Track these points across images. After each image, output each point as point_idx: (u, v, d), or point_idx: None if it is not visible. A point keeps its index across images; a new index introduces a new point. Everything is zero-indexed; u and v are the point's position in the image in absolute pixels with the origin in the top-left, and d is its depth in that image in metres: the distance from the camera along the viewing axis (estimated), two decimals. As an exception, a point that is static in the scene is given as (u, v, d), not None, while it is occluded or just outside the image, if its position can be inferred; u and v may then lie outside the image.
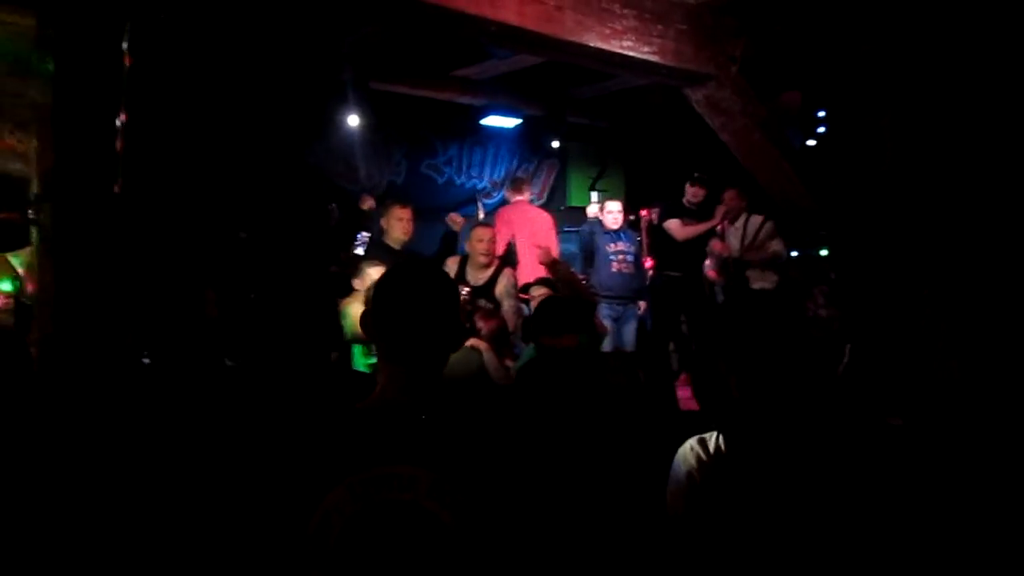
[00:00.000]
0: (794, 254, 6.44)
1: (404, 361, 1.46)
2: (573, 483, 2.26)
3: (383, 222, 4.93)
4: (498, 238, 5.22)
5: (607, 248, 5.99)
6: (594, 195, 6.27)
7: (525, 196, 6.10)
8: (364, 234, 4.86)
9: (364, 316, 1.56)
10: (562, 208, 7.98)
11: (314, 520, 1.26)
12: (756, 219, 6.15)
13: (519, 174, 7.62)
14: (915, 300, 4.69)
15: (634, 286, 6.05)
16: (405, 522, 1.25)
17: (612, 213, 6.20)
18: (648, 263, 6.45)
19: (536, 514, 1.39)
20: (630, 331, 5.90)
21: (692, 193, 5.95)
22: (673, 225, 5.81)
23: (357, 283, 4.34)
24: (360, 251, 4.89)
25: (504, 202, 7.85)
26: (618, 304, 5.86)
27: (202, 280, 3.58)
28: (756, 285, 6.12)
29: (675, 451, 2.05)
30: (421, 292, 1.52)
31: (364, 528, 1.25)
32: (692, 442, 2.02)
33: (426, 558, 1.25)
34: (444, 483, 1.28)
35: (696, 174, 5.99)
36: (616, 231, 6.11)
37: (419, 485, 1.27)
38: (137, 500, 2.55)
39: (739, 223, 6.18)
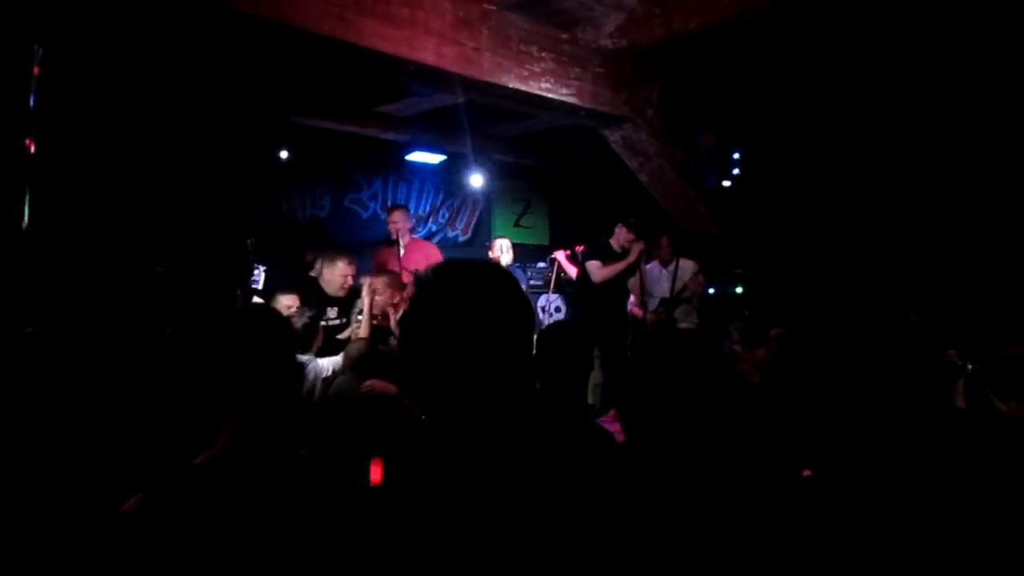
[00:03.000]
0: (710, 291, 6.62)
1: (238, 414, 1.43)
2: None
3: (325, 270, 4.87)
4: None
5: None
6: (499, 242, 6.38)
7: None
8: (261, 267, 4.78)
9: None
10: (487, 244, 7.99)
11: None
12: (686, 263, 6.30)
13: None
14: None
15: None
16: None
17: (498, 247, 6.35)
18: None
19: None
20: None
21: (624, 237, 6.03)
22: (593, 266, 5.92)
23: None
24: (258, 285, 4.80)
25: (428, 237, 7.92)
26: None
27: (77, 317, 3.48)
28: (682, 325, 6.29)
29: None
30: (253, 344, 1.48)
31: None
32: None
33: None
34: (272, 541, 1.27)
35: (631, 219, 6.08)
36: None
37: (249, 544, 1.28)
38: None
39: (671, 267, 6.33)
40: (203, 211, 5.97)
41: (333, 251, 4.96)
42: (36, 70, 3.95)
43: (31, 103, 3.91)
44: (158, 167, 5.73)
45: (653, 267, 6.39)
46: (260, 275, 4.77)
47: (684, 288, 6.27)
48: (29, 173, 3.91)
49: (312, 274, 5.14)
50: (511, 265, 6.36)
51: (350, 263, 4.88)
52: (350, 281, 4.83)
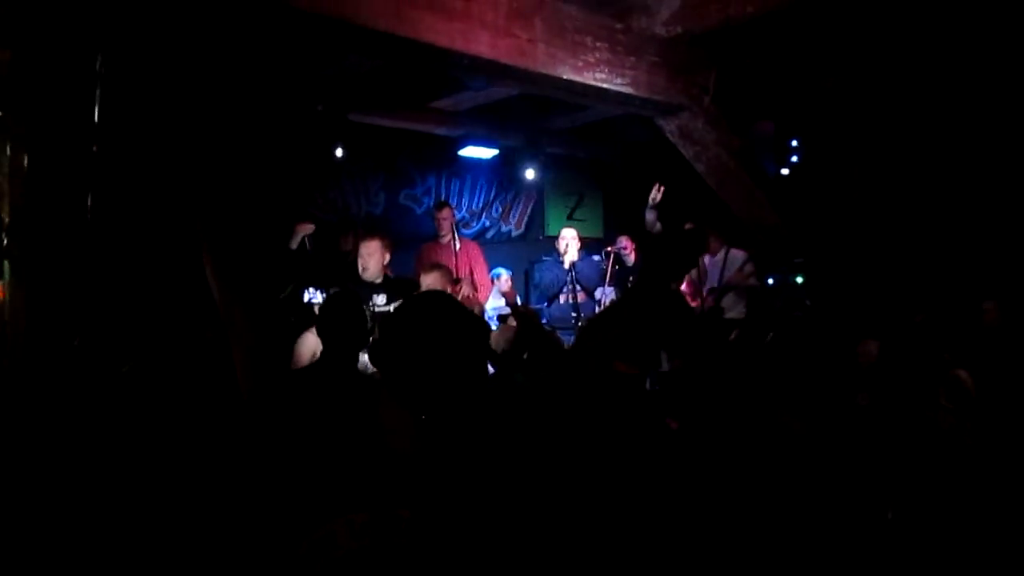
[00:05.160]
0: (769, 282, 6.43)
1: (410, 405, 1.41)
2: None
3: (360, 257, 5.03)
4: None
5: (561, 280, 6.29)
6: (567, 231, 6.44)
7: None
8: (312, 290, 4.85)
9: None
10: (540, 238, 8.15)
11: (305, 545, 1.27)
12: (736, 253, 6.27)
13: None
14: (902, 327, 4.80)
15: (577, 313, 6.22)
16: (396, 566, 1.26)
17: (564, 240, 6.37)
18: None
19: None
20: None
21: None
22: None
23: (317, 309, 4.45)
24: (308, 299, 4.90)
25: (482, 231, 8.03)
26: (565, 334, 5.95)
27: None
28: (729, 315, 6.26)
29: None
30: (433, 330, 1.42)
31: (357, 566, 1.26)
32: None
33: None
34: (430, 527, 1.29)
35: (687, 226, 6.02)
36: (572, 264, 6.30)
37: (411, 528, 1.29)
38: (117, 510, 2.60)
39: (719, 256, 6.33)
40: (261, 209, 6.02)
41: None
42: (98, 78, 4.10)
43: (96, 103, 4.05)
44: (216, 166, 5.86)
45: (704, 260, 6.37)
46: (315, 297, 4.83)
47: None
48: (91, 179, 4.05)
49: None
50: (579, 257, 6.38)
51: (371, 239, 4.98)
52: (377, 259, 4.90)
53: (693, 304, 6.28)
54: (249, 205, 5.85)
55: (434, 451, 1.44)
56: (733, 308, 6.28)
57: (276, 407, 3.14)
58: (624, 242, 6.89)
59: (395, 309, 1.67)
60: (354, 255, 5.25)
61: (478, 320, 1.58)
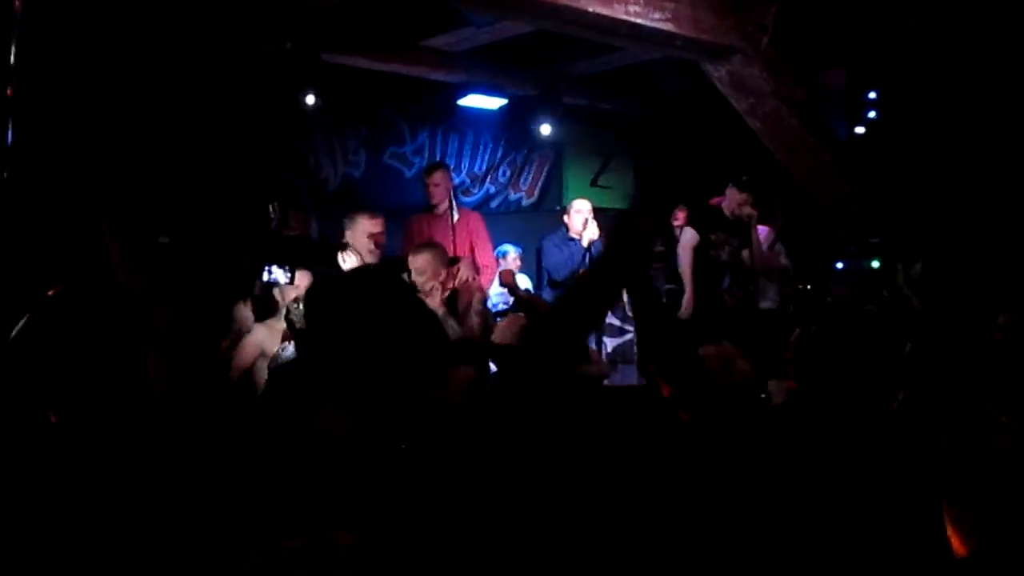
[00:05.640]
0: (839, 266, 6.42)
1: (346, 404, 1.44)
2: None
3: (348, 235, 4.87)
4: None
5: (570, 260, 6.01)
6: (580, 203, 6.17)
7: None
8: (275, 269, 4.51)
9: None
10: (557, 208, 7.79)
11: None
12: (761, 230, 6.09)
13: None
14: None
15: None
16: None
17: (580, 214, 6.03)
18: None
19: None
20: None
21: (736, 200, 5.81)
22: (687, 238, 5.79)
23: (276, 293, 4.32)
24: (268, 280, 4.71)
25: (486, 200, 7.83)
26: None
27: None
28: (763, 305, 6.19)
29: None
30: (370, 311, 1.47)
31: None
32: None
33: None
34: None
35: (744, 177, 5.93)
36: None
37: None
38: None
39: None
40: (216, 169, 5.84)
41: (352, 211, 5.01)
42: (18, 5, 3.83)
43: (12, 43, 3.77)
44: (161, 117, 5.45)
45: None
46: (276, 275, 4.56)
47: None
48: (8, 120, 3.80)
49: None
50: (596, 239, 5.96)
51: (371, 217, 4.91)
52: (378, 239, 4.87)
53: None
54: (204, 163, 5.70)
55: (381, 462, 1.45)
56: (766, 296, 6.18)
57: (193, 407, 3.25)
58: (676, 213, 6.55)
59: (321, 292, 1.69)
60: (305, 235, 5.28)
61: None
